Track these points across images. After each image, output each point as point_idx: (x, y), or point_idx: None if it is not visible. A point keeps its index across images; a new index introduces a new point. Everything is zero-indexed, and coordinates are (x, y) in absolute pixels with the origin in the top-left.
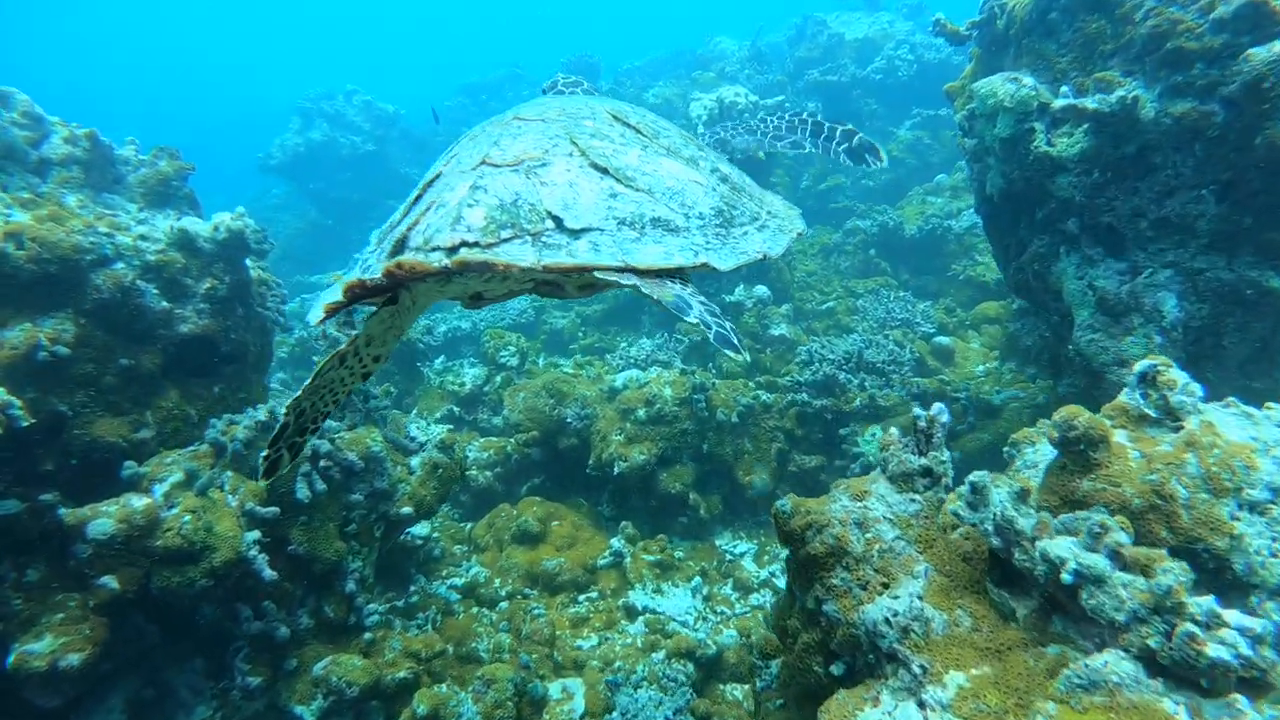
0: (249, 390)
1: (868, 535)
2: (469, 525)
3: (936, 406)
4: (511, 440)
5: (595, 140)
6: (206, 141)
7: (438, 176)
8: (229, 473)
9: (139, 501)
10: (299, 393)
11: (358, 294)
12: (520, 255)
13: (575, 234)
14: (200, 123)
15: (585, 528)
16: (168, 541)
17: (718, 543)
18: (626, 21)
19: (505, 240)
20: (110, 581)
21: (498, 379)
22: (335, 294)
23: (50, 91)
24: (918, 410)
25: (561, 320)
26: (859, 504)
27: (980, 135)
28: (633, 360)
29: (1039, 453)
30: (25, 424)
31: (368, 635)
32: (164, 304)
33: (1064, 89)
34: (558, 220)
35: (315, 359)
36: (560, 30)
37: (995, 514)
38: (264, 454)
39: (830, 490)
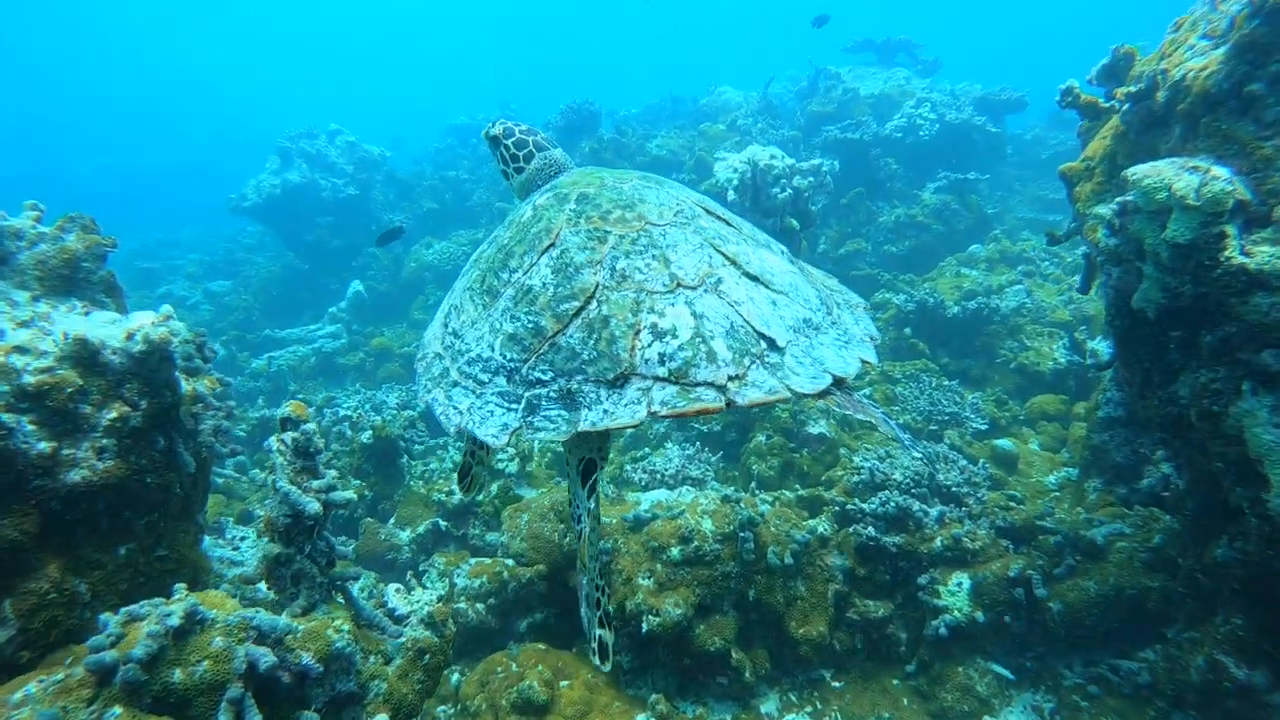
0: (173, 544)
1: None
2: (456, 677)
3: None
4: (509, 564)
5: (727, 245)
6: (179, 173)
7: (594, 295)
8: (116, 711)
9: None
10: None
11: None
12: (770, 386)
13: (783, 352)
14: (173, 153)
15: (602, 689)
16: None
17: (764, 709)
18: (614, 66)
19: (750, 370)
20: None
21: (493, 488)
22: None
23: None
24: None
25: None
26: None
27: (1136, 236)
28: (659, 476)
29: None
30: None
31: None
32: (45, 444)
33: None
34: (770, 341)
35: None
36: (548, 73)
37: None
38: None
39: None
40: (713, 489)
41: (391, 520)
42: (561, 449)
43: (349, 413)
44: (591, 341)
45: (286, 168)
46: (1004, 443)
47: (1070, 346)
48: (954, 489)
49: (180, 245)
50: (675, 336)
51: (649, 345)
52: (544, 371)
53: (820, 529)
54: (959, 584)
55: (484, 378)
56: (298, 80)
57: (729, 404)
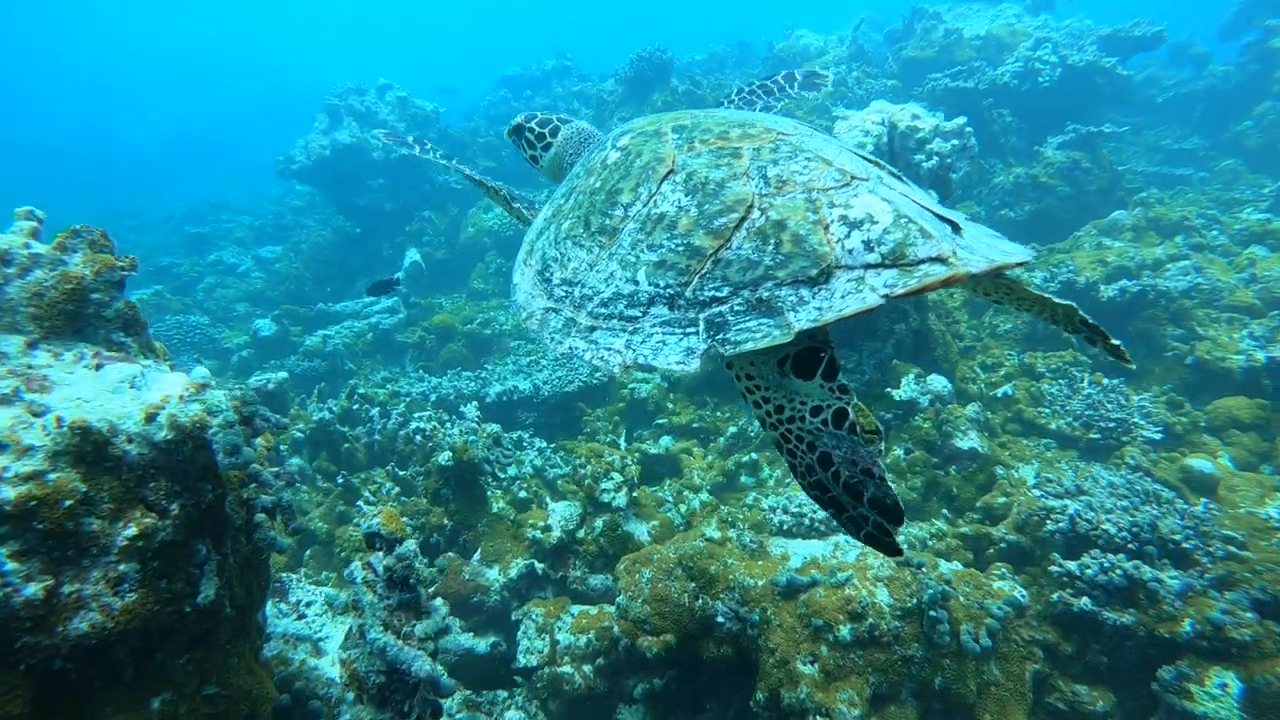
0: (225, 676)
1: None
2: None
3: None
4: (618, 619)
5: (864, 151)
6: (227, 132)
7: (752, 204)
8: None
9: None
10: None
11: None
12: (986, 256)
13: (964, 235)
14: (219, 112)
15: None
16: None
17: None
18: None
19: (958, 248)
20: None
21: (597, 524)
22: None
23: (62, 81)
24: None
25: (645, 386)
26: None
27: None
28: (805, 520)
29: None
30: None
31: None
32: (35, 587)
33: None
34: (953, 225)
35: (362, 576)
36: (603, 19)
37: None
38: None
39: None
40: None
41: (476, 556)
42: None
43: (422, 424)
44: (771, 246)
45: (335, 127)
46: (1199, 462)
47: (1265, 337)
48: (1177, 540)
49: (229, 208)
50: (874, 223)
51: (846, 236)
52: (716, 288)
53: (1017, 596)
54: (1222, 685)
55: (633, 312)
56: (339, 32)
57: (968, 274)
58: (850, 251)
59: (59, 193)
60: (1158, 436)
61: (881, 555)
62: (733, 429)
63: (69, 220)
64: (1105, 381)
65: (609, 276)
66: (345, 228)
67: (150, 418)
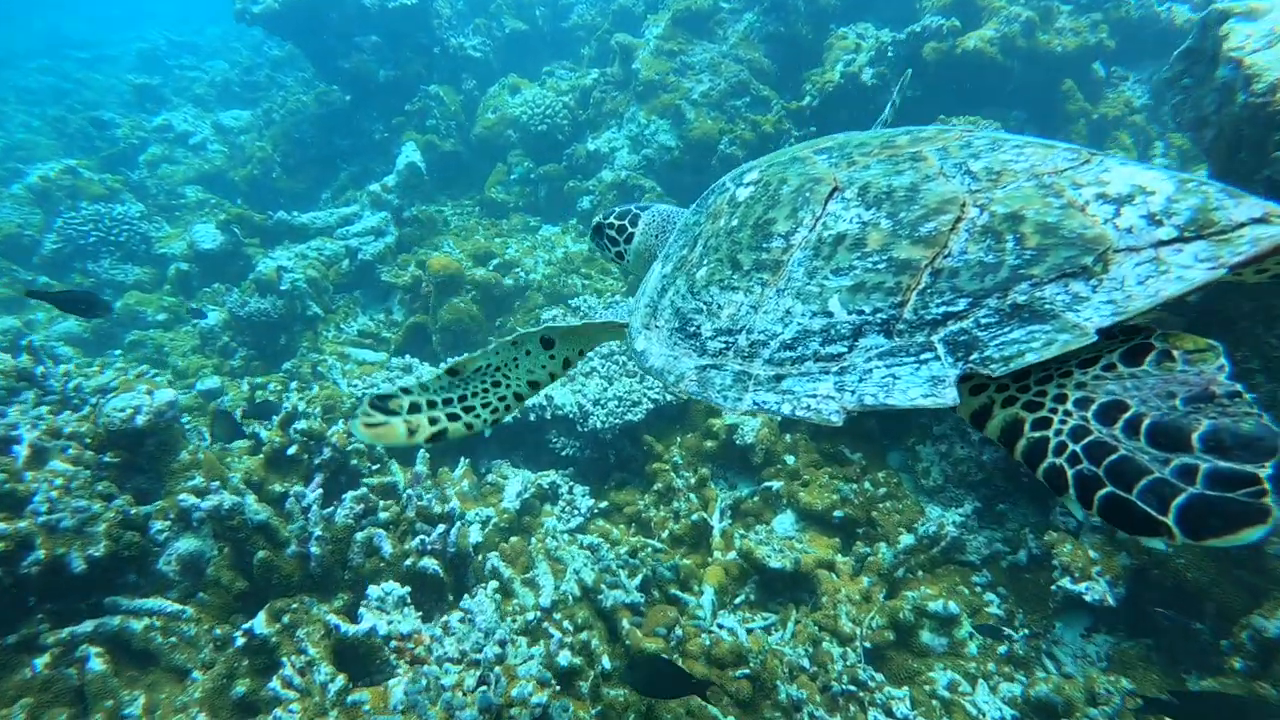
0: None
1: None
2: None
3: None
4: None
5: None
6: None
7: (965, 202)
8: None
9: None
10: None
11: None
12: None
13: None
14: None
15: None
16: None
17: None
18: None
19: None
20: None
21: None
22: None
23: None
24: None
25: (751, 426)
26: None
27: None
28: None
29: None
30: None
31: None
32: None
33: None
34: (1227, 192)
35: None
36: None
37: None
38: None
39: None
40: None
41: None
42: None
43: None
44: (1011, 244)
45: None
46: None
47: None
48: None
49: (198, 51)
50: (1149, 193)
51: (1115, 215)
52: (947, 302)
53: None
54: None
55: (834, 349)
56: None
57: None
58: (1129, 230)
59: None
60: None
61: None
62: (907, 539)
63: None
64: None
65: (784, 315)
66: (330, 96)
67: None
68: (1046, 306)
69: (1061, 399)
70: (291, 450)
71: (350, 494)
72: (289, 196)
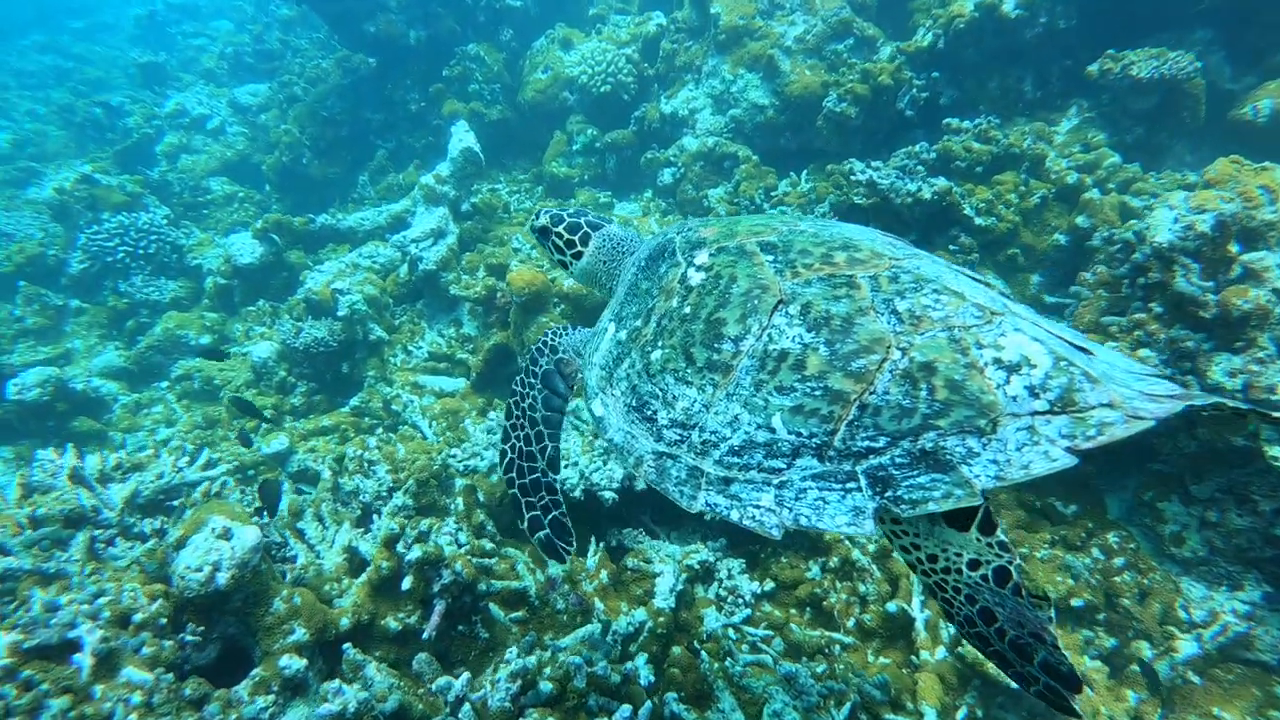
0: None
1: None
2: None
3: None
4: None
5: (971, 271)
6: None
7: (891, 343)
8: None
9: None
10: None
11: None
12: (1151, 407)
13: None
14: None
15: None
16: None
17: None
18: None
19: (1111, 388)
20: None
21: None
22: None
23: None
24: None
25: None
26: None
27: None
28: None
29: None
30: None
31: None
32: None
33: None
34: (1087, 375)
35: None
36: None
37: None
38: None
39: None
40: None
41: None
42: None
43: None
44: (923, 392)
45: None
46: None
47: None
48: None
49: (199, 13)
50: (1032, 366)
51: (1006, 381)
52: (870, 438)
53: None
54: None
55: (775, 464)
56: None
57: (1150, 422)
58: (1014, 399)
59: None
60: None
61: None
62: (1190, 647)
63: None
64: None
65: (732, 421)
66: (353, 61)
67: None
68: (947, 457)
69: (952, 583)
70: (406, 584)
71: (503, 670)
72: (323, 183)
